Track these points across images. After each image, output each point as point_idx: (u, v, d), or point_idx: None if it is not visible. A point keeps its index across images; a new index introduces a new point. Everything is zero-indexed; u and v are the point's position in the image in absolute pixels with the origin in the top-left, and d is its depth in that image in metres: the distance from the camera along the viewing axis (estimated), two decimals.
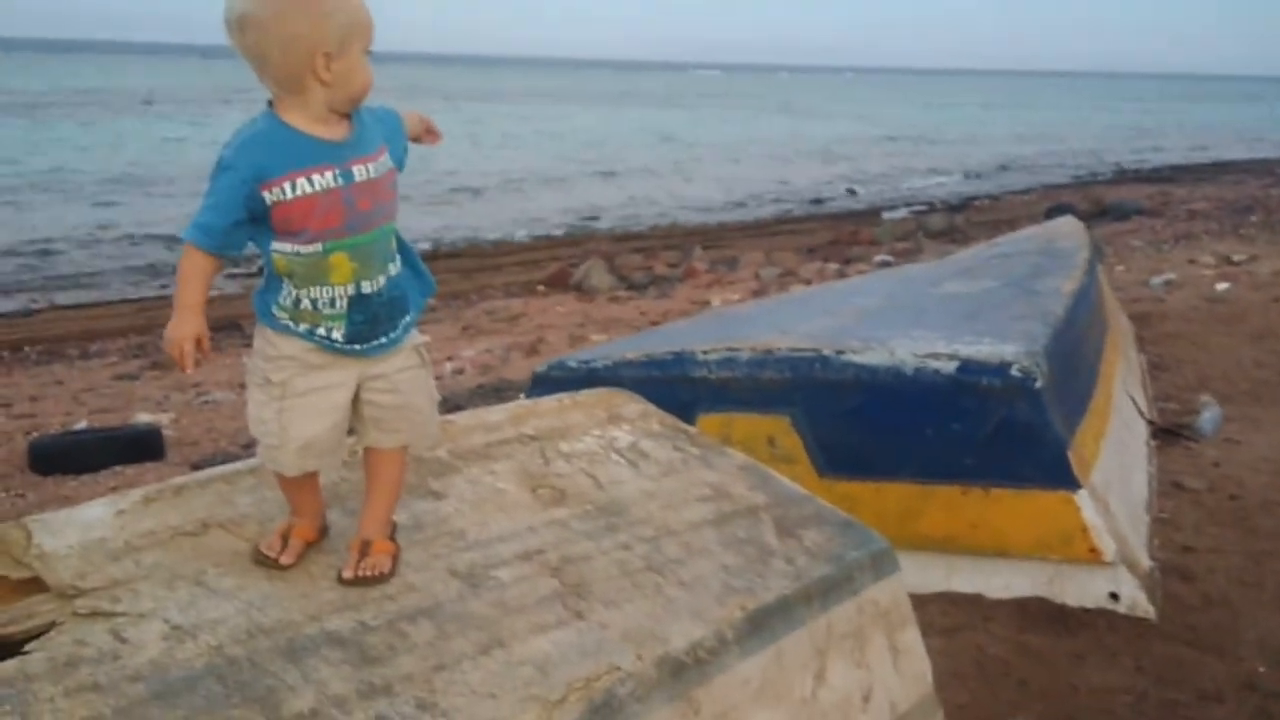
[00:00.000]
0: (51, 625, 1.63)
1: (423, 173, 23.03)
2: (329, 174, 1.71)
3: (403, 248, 1.89)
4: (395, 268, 1.84)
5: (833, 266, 13.76)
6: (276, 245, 1.73)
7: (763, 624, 2.01)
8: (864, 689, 2.19)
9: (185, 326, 1.71)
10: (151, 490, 2.00)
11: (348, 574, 1.84)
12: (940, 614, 3.28)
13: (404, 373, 1.87)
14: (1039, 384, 3.24)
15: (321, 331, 1.79)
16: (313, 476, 1.91)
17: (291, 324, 1.79)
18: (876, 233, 17.43)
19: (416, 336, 1.90)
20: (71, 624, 1.62)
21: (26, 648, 1.57)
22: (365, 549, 1.87)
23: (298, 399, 1.80)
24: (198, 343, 1.72)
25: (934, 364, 3.37)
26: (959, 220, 19.12)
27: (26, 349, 10.87)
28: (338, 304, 1.78)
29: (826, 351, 3.54)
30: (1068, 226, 6.70)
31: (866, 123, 55.48)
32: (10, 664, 1.52)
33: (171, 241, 16.59)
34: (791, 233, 18.84)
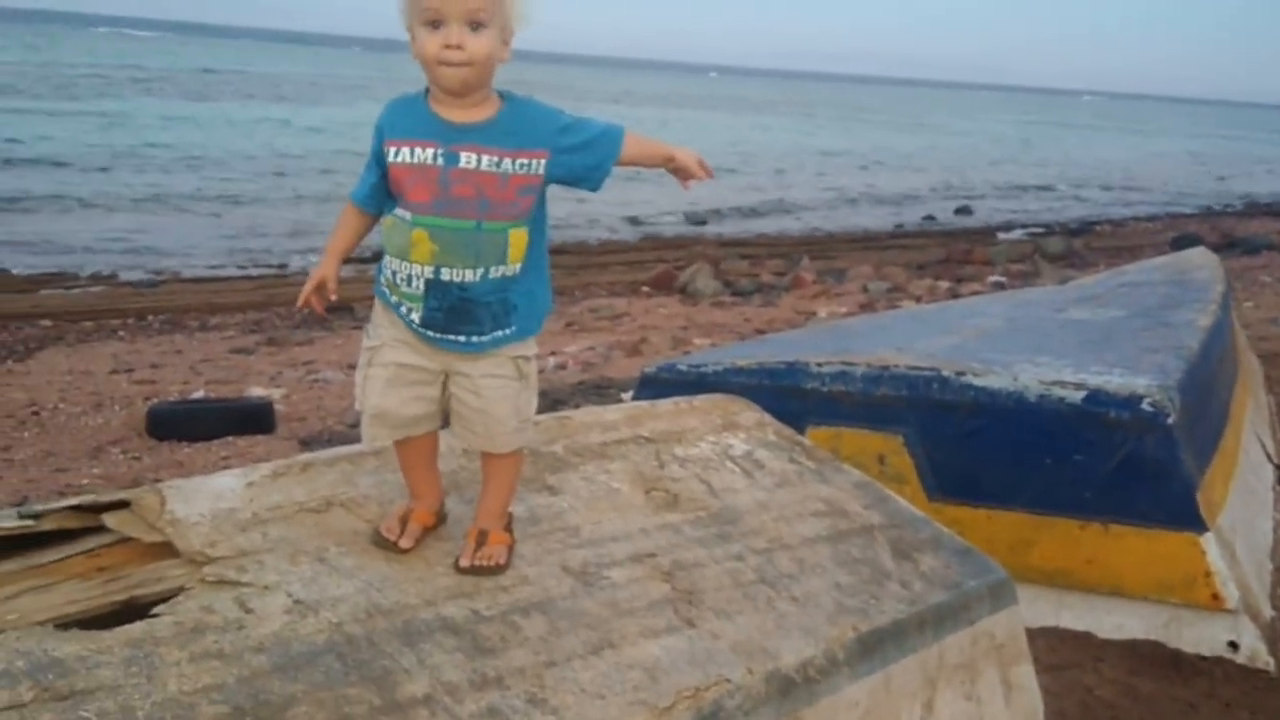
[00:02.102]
0: (180, 590, 1.67)
1: None
2: (430, 150, 1.73)
3: (537, 261, 1.84)
4: (503, 271, 1.79)
5: (944, 285, 13.49)
6: (393, 208, 1.80)
7: (874, 647, 1.96)
8: None
9: (319, 268, 1.85)
10: (280, 465, 2.04)
11: (464, 562, 1.85)
12: (1048, 650, 3.17)
13: (490, 379, 1.84)
14: (1171, 419, 3.11)
15: (404, 309, 1.81)
16: (424, 456, 1.93)
17: (388, 293, 1.83)
18: (991, 253, 17.04)
19: (520, 348, 1.85)
20: (200, 591, 1.66)
21: (155, 610, 1.61)
22: (482, 539, 1.88)
23: (380, 369, 1.84)
24: (322, 283, 1.84)
25: (1059, 392, 3.26)
26: (1078, 245, 18.59)
27: (150, 318, 11.30)
28: (414, 284, 1.78)
29: (946, 372, 3.46)
30: (1200, 258, 6.44)
31: (986, 139, 54.36)
32: (139, 626, 1.56)
33: None
34: (902, 248, 18.53)
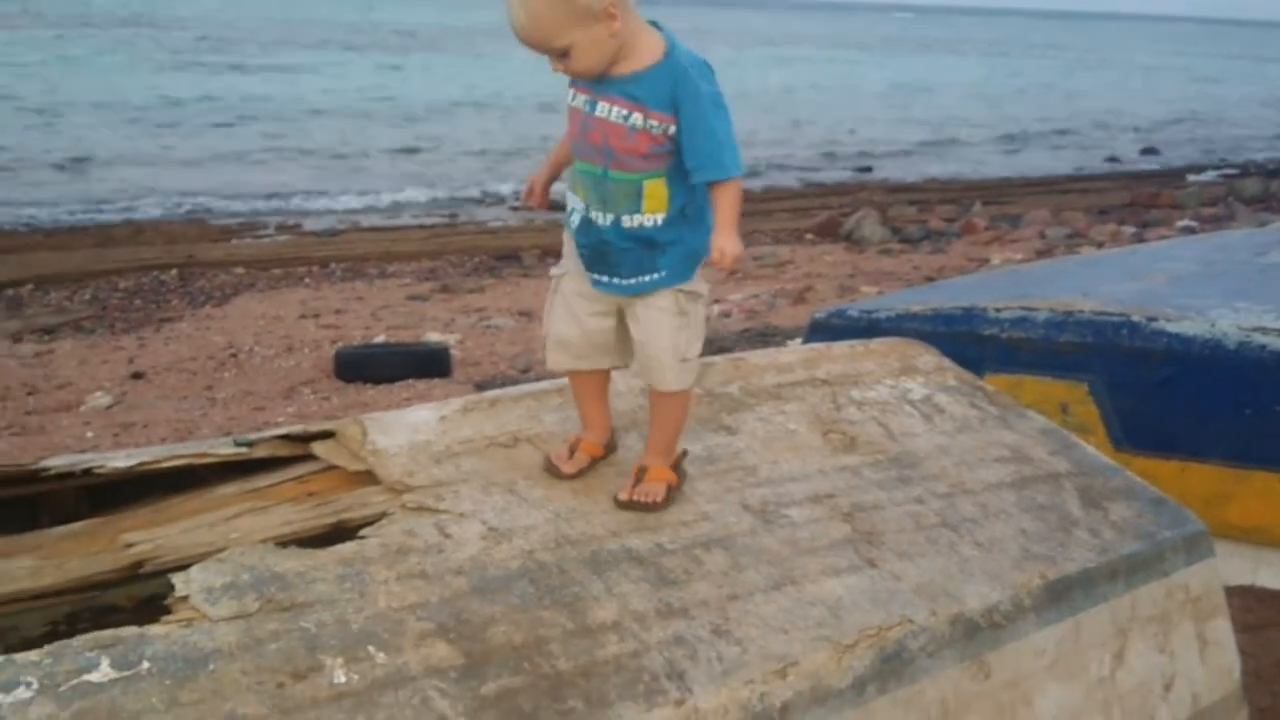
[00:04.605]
0: (383, 515, 1.77)
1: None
2: (582, 97, 1.80)
3: (689, 209, 1.82)
4: (639, 220, 1.80)
5: (1128, 230, 12.82)
6: None
7: (1062, 595, 1.92)
8: (1166, 677, 2.06)
9: (534, 173, 1.96)
10: (470, 400, 2.13)
11: (622, 496, 1.89)
12: (1244, 609, 3.03)
13: (650, 309, 1.86)
14: None
15: (574, 242, 1.88)
16: (594, 388, 1.98)
17: (570, 225, 1.89)
18: (1179, 196, 16.06)
19: (687, 284, 1.85)
20: (401, 516, 1.75)
21: (362, 533, 1.71)
22: (641, 475, 1.92)
23: (560, 296, 1.93)
24: (532, 186, 1.94)
25: (1260, 339, 3.08)
26: (1276, 186, 17.33)
27: (332, 266, 11.82)
28: (574, 217, 1.86)
29: (1136, 318, 3.31)
30: None
31: (1178, 75, 51.07)
32: (349, 546, 1.66)
33: None
34: (1082, 191, 17.68)
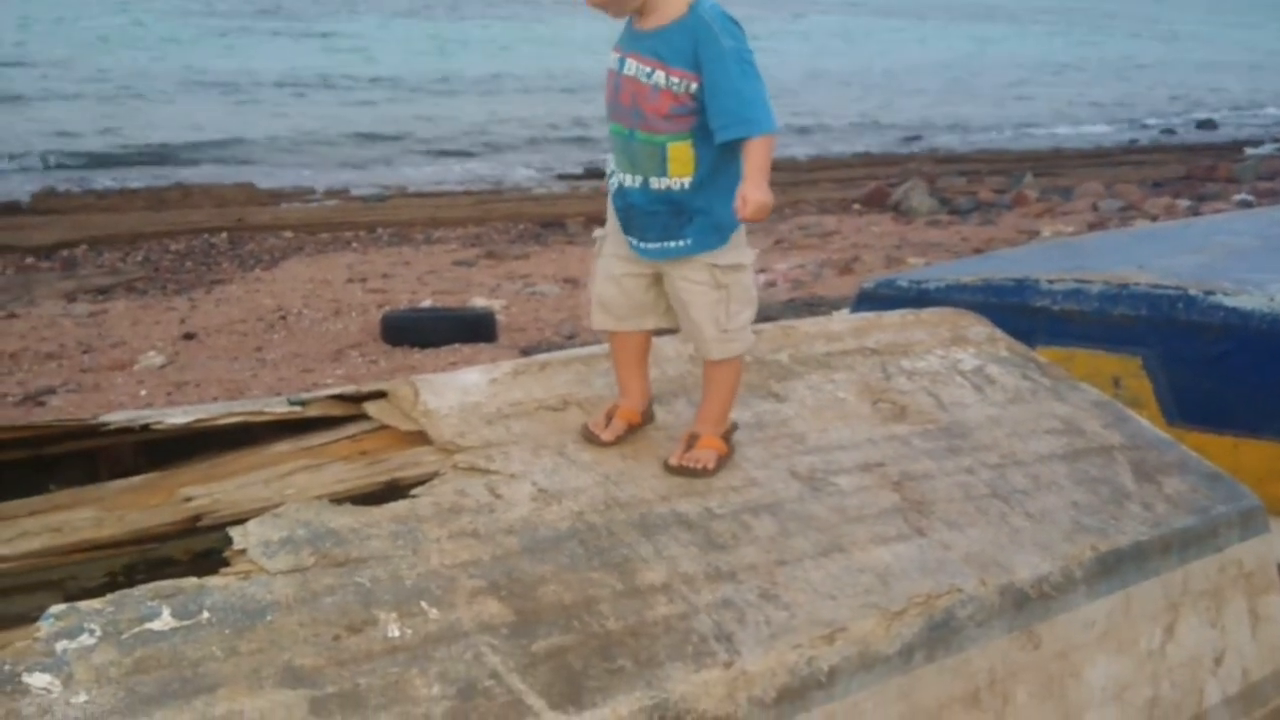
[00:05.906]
0: (434, 475, 1.79)
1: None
2: (615, 56, 1.81)
3: (720, 176, 1.79)
4: (666, 184, 1.79)
5: (1183, 204, 12.56)
6: None
7: (1114, 568, 1.90)
8: (1216, 651, 2.04)
9: None
10: (520, 364, 2.14)
11: (673, 461, 1.90)
12: None
13: (685, 282, 1.86)
14: None
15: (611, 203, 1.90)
16: (633, 353, 1.98)
17: (610, 188, 1.90)
18: (1236, 169, 15.69)
19: (713, 257, 1.84)
20: (453, 476, 1.77)
21: (414, 492, 1.73)
22: (692, 441, 1.93)
23: (601, 259, 1.95)
24: None
25: None
26: None
27: (379, 230, 11.88)
28: (613, 180, 1.87)
29: (1193, 291, 3.25)
30: None
31: (1236, 46, 49.78)
32: (402, 504, 1.69)
33: None
34: (1136, 164, 17.31)
